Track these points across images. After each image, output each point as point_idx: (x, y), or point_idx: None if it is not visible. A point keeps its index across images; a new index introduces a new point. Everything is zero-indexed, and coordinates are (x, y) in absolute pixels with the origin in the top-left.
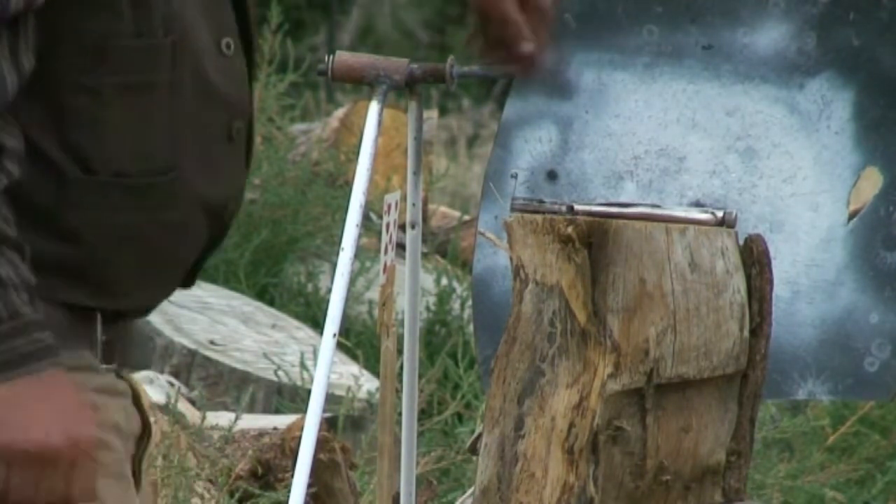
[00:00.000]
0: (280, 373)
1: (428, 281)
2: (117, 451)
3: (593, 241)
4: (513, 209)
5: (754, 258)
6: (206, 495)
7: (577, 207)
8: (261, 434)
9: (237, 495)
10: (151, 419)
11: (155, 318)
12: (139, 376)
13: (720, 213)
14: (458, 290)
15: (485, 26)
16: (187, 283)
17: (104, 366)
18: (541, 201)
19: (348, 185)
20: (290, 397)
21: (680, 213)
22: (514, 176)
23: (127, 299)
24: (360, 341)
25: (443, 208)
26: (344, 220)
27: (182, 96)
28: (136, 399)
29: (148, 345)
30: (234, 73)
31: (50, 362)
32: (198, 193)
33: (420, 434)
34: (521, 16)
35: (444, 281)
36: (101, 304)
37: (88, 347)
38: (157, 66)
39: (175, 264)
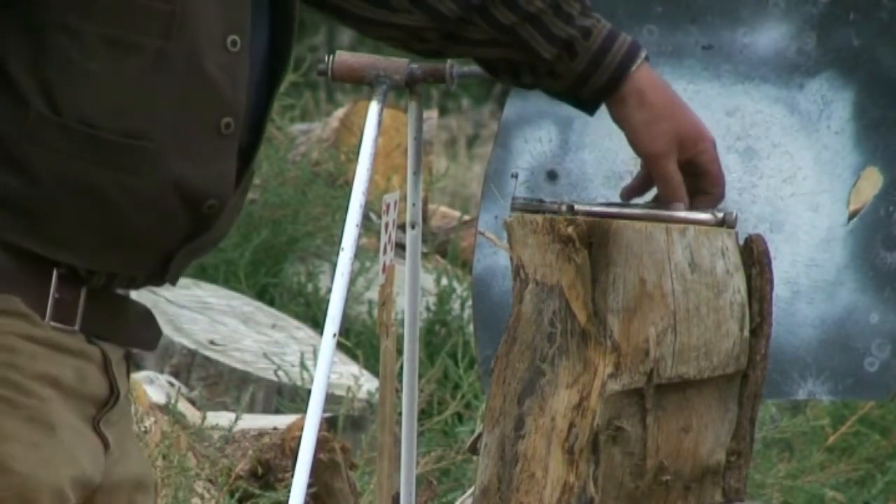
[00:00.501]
0: (280, 373)
1: (428, 281)
2: (41, 398)
3: (593, 241)
4: (513, 209)
5: (754, 258)
6: (206, 495)
7: (578, 207)
8: (261, 434)
9: (237, 495)
10: (123, 388)
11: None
12: (139, 376)
13: (720, 214)
14: (458, 290)
15: (649, 179)
16: (165, 273)
17: (53, 323)
18: (541, 201)
19: (348, 185)
20: (290, 397)
21: (681, 213)
22: (515, 175)
23: (80, 257)
24: (360, 341)
25: (443, 208)
26: (344, 220)
27: (170, 71)
28: (107, 366)
29: None
30: (235, 71)
31: None
32: (172, 173)
33: (420, 434)
34: (682, 177)
35: (444, 281)
36: (49, 254)
37: (27, 296)
38: (148, 30)
39: (142, 238)
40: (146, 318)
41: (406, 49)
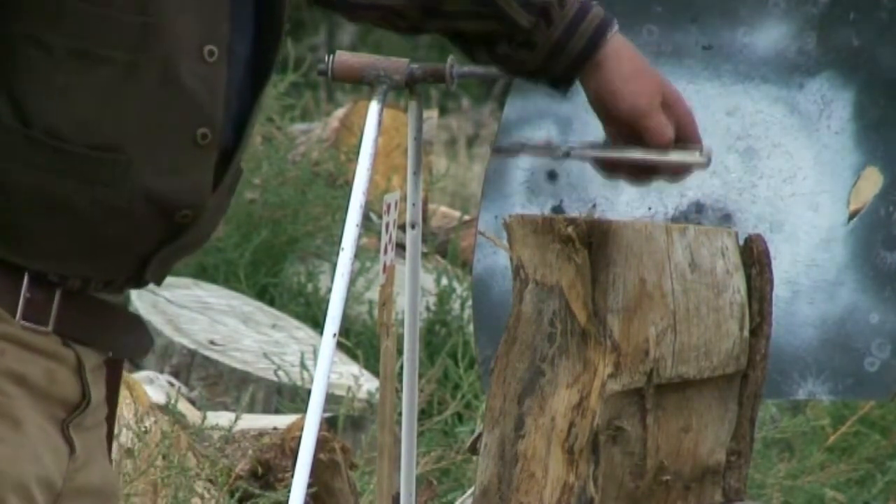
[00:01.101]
0: (280, 373)
1: (428, 281)
2: (8, 395)
3: (593, 241)
4: (495, 152)
5: (754, 258)
6: (206, 495)
7: (574, 152)
8: (261, 434)
9: (237, 495)
10: (97, 394)
11: (155, 318)
12: (139, 376)
13: (703, 150)
14: (458, 290)
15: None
16: (143, 276)
17: (24, 323)
18: (522, 145)
19: (348, 185)
20: (290, 397)
21: (673, 156)
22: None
23: (51, 264)
24: (360, 341)
25: (443, 208)
26: (344, 220)
27: (142, 82)
28: (80, 370)
29: None
30: (212, 81)
31: None
32: (144, 184)
33: (420, 434)
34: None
35: (444, 281)
36: (19, 261)
37: None
38: (119, 43)
39: (112, 247)
40: (133, 325)
41: (389, 28)
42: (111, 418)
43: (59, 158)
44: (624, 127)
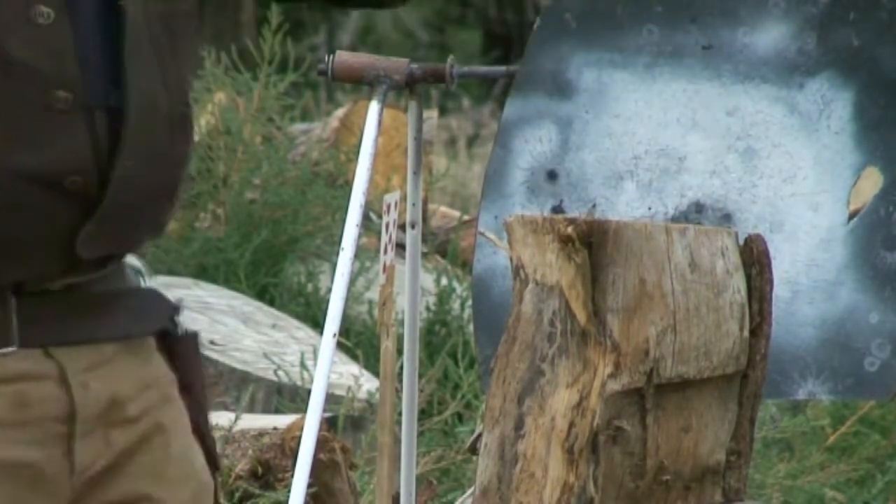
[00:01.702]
0: (280, 373)
1: (428, 281)
2: None
3: (593, 241)
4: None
5: (754, 258)
6: None
7: None
8: (261, 434)
9: (237, 495)
10: (92, 395)
11: None
12: None
13: None
14: (458, 290)
15: None
16: (75, 258)
17: None
18: None
19: (348, 185)
20: (290, 397)
21: None
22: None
23: None
24: (360, 341)
25: (443, 208)
26: (344, 220)
27: None
28: (63, 379)
29: None
30: (53, 41)
31: None
32: (11, 167)
33: (420, 434)
34: None
35: (444, 281)
36: None
37: None
38: None
39: (23, 239)
40: (124, 304)
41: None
42: (196, 394)
43: None
44: None
